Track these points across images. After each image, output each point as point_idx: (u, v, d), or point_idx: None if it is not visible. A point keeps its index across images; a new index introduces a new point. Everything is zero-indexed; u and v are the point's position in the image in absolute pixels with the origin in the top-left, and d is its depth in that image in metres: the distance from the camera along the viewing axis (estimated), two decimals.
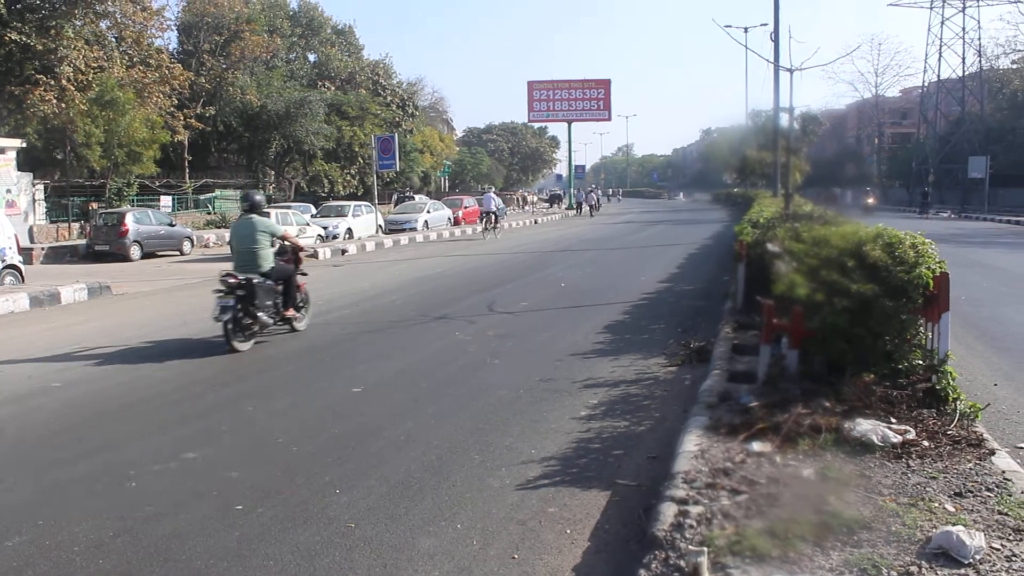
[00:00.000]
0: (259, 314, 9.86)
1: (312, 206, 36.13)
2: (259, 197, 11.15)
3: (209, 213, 39.10)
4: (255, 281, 9.77)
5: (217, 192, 42.05)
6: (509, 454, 5.95)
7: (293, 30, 55.38)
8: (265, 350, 9.98)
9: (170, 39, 44.47)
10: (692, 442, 5.37)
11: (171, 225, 27.60)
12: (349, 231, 30.31)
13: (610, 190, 70.70)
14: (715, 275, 16.89)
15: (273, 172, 46.36)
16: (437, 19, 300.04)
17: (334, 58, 56.12)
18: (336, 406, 7.36)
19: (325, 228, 29.05)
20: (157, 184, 37.99)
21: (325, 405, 7.39)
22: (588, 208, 54.64)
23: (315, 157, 45.14)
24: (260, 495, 5.23)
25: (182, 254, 26.93)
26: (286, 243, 11.07)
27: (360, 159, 46.58)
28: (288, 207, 31.10)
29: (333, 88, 51.31)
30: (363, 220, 32.01)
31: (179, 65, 37.70)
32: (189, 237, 28.11)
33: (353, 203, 33.58)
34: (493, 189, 43.69)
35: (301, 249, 11.78)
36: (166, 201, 35.74)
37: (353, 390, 7.91)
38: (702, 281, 16.36)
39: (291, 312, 10.71)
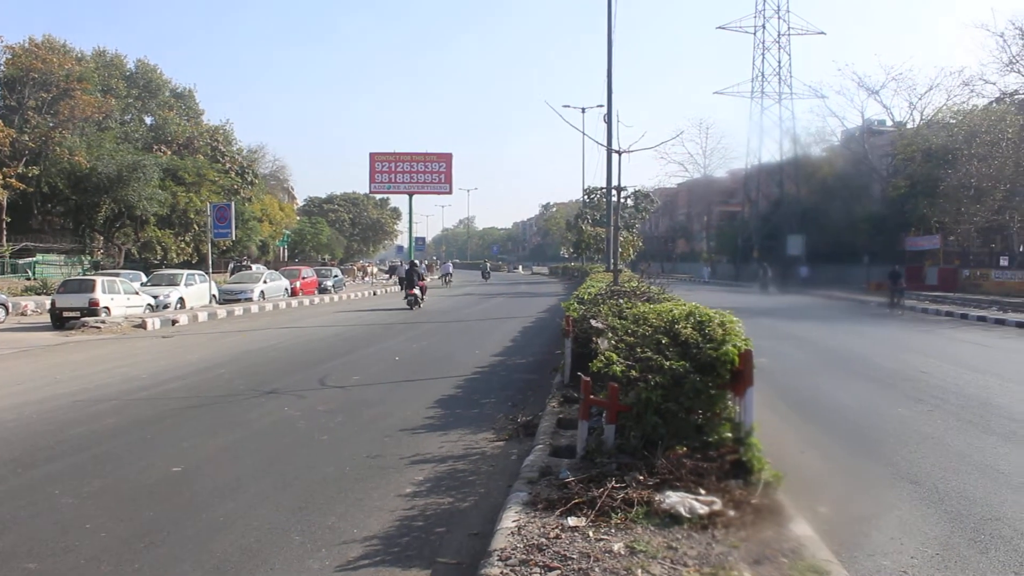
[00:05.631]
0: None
1: (142, 274, 34.76)
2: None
3: (29, 279, 36.99)
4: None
5: (39, 256, 39.88)
6: (331, 534, 5.88)
7: (129, 91, 53.90)
8: (82, 427, 9.52)
9: None
10: (510, 518, 5.46)
11: None
12: (181, 301, 29.25)
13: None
14: (547, 349, 17.24)
15: (102, 237, 44.40)
16: (280, 86, 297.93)
17: (172, 122, 54.83)
18: (153, 487, 7.08)
19: (156, 297, 27.91)
20: None
21: (141, 486, 7.09)
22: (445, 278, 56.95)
23: (148, 223, 43.63)
24: None
25: None
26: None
27: (195, 226, 45.31)
28: (116, 274, 29.83)
29: (169, 152, 49.99)
30: (196, 289, 30.97)
31: None
32: (3, 304, 26.41)
33: (186, 272, 32.48)
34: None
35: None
36: None
37: (173, 469, 7.63)
38: (534, 355, 16.67)
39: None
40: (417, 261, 37.41)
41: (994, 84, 41.32)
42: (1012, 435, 9.29)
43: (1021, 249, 41.88)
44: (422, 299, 31.38)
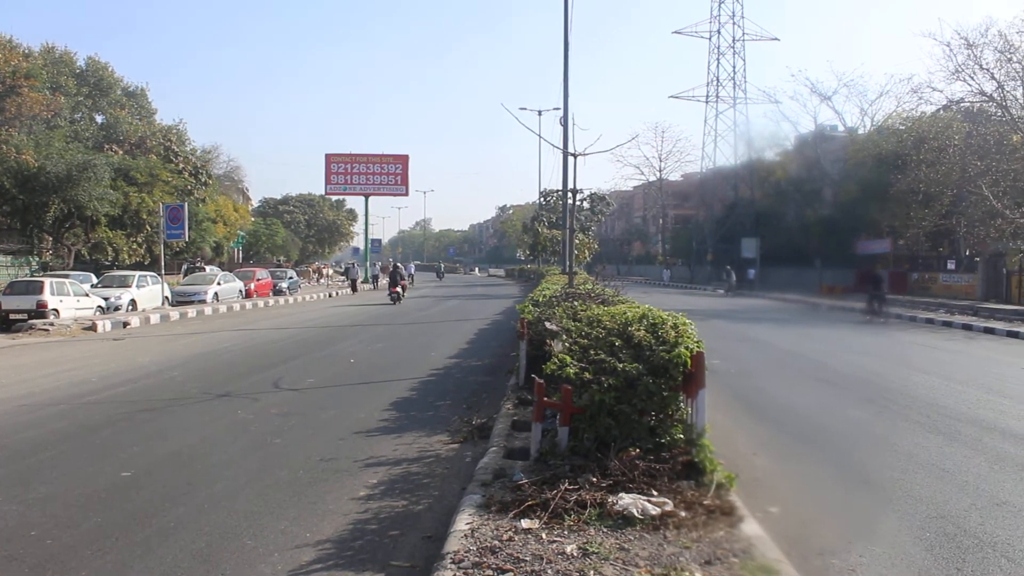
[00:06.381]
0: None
1: (93, 275, 34.16)
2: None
3: None
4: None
5: None
6: (283, 538, 5.83)
7: (79, 89, 52.84)
8: (28, 432, 9.34)
9: None
10: (464, 521, 5.46)
11: None
12: (133, 303, 28.79)
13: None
14: (503, 351, 17.29)
15: (51, 238, 43.46)
16: (235, 85, 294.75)
17: (123, 121, 53.84)
18: (102, 493, 6.96)
19: (106, 299, 27.48)
20: None
21: (90, 492, 6.97)
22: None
23: (98, 223, 42.73)
24: None
25: None
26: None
27: (148, 227, 44.47)
28: (66, 275, 29.30)
29: (121, 152, 49.06)
30: (148, 291, 30.50)
31: None
32: None
33: (138, 273, 31.99)
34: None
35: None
36: None
37: (123, 474, 7.52)
38: (490, 357, 16.69)
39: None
40: (400, 264, 45.07)
41: (941, 92, 42.15)
42: (956, 435, 9.49)
43: (967, 253, 42.74)
44: (403, 296, 37.61)
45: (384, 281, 59.54)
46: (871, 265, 43.07)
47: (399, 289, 37.04)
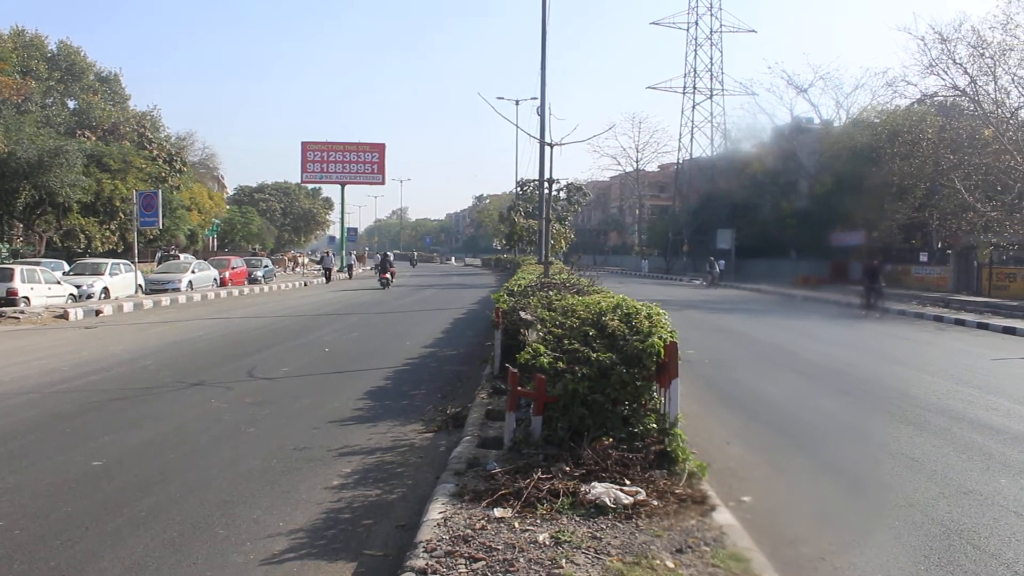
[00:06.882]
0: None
1: (65, 263, 33.83)
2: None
3: None
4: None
5: None
6: (256, 527, 5.81)
7: (51, 73, 52.15)
8: None
9: None
10: (437, 510, 5.47)
11: None
12: (106, 291, 28.53)
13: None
14: (478, 340, 17.28)
15: (22, 225, 42.94)
16: (210, 72, 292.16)
17: (96, 106, 53.20)
18: (72, 482, 6.90)
19: (79, 287, 27.22)
20: None
21: (60, 482, 6.90)
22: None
23: (71, 210, 42.25)
24: None
25: None
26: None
27: (121, 214, 44.00)
28: (37, 263, 28.99)
29: (94, 138, 48.48)
30: (121, 279, 30.22)
31: None
32: None
33: (111, 261, 31.68)
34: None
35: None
36: None
37: (93, 464, 7.45)
38: (465, 346, 16.68)
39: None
40: (389, 253, 48.09)
41: (915, 86, 42.57)
42: (926, 424, 9.60)
43: (939, 246, 43.11)
44: (391, 281, 40.88)
45: (359, 271, 59.65)
46: (847, 257, 43.37)
47: (388, 276, 40.28)
